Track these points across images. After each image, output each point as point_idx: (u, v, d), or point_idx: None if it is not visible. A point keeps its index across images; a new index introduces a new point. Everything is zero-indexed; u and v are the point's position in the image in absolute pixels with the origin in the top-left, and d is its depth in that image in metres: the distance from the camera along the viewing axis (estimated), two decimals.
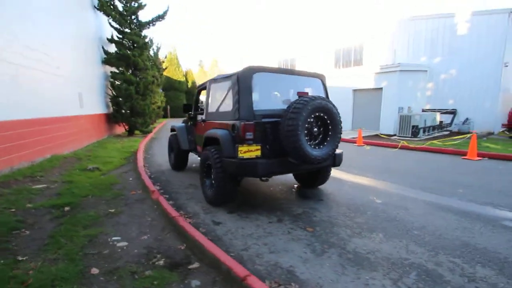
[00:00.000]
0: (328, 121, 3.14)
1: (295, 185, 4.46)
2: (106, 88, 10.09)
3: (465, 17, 13.20)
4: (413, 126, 10.78)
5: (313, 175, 4.09)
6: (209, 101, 3.96)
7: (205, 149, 3.56)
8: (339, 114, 3.22)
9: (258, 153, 3.04)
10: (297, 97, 3.46)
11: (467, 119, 13.16)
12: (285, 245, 2.47)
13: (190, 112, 4.81)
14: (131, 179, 4.75)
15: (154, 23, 10.37)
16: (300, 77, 3.63)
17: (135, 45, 10.10)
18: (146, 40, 10.59)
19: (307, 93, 3.32)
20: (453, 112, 13.53)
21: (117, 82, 9.92)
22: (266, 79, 3.28)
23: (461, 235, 2.68)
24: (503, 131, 12.20)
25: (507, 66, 12.69)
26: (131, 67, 10.12)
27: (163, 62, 17.19)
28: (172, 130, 5.82)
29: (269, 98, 3.41)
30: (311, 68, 19.36)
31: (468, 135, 8.29)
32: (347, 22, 17.84)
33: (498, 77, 12.49)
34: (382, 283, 1.94)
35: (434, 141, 8.77)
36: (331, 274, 2.04)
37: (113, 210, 3.19)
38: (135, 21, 10.22)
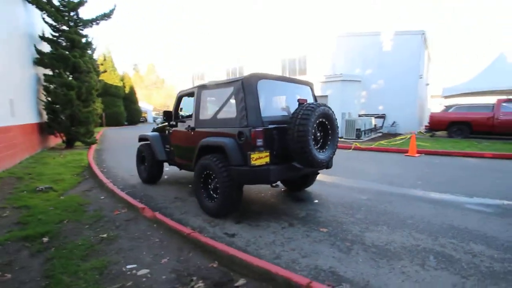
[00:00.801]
0: (329, 126, 3.34)
1: (282, 189, 4.56)
2: (38, 93, 8.55)
3: (389, 36, 15.56)
4: (357, 129, 12.09)
5: (303, 179, 4.25)
6: (200, 108, 3.77)
7: (202, 158, 3.37)
8: (336, 119, 3.46)
9: (268, 159, 3.03)
10: (295, 104, 3.60)
11: (394, 122, 15.43)
12: (312, 248, 2.52)
13: (171, 121, 4.46)
14: (102, 197, 4.13)
15: (98, 21, 9.28)
16: (294, 85, 3.77)
17: (74, 44, 8.85)
18: (89, 39, 9.39)
19: (306, 100, 3.47)
20: (383, 117, 15.69)
21: (52, 86, 8.51)
22: (267, 86, 3.31)
23: (444, 220, 3.16)
24: (420, 131, 14.64)
25: (421, 78, 15.40)
26: (70, 69, 8.82)
27: (101, 64, 15.44)
28: (142, 139, 5.32)
29: (270, 105, 3.45)
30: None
31: (409, 136, 9.77)
32: (292, 34, 19.12)
33: (415, 88, 15.05)
34: (414, 269, 2.16)
35: (382, 142, 10.02)
36: (369, 268, 2.18)
37: (105, 235, 2.74)
38: (75, 17, 8.97)
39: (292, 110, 3.62)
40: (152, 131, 5.39)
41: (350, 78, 14.96)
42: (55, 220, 3.06)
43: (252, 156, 2.90)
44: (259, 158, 2.96)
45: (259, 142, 2.97)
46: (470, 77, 14.77)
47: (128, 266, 2.17)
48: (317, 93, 15.27)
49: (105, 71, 17.42)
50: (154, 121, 45.65)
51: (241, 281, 1.98)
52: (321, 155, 3.20)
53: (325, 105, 3.24)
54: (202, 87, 3.77)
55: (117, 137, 15.36)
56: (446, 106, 12.43)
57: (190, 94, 4.24)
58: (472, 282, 2.00)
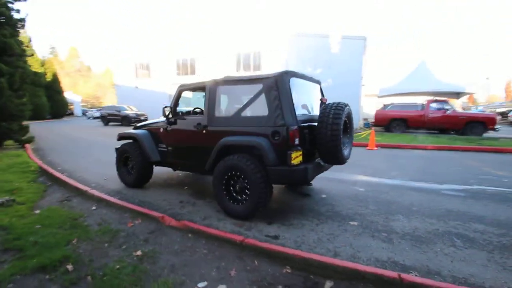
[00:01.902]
0: (348, 125, 3.52)
1: (283, 186, 4.63)
2: None
3: (337, 39, 16.95)
4: None
5: None
6: (215, 105, 3.51)
7: (225, 159, 3.18)
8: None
9: (301, 158, 3.05)
10: (310, 103, 3.68)
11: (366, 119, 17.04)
12: (359, 242, 2.66)
13: (170, 117, 4.02)
14: (93, 208, 3.51)
15: None
16: (311, 83, 3.83)
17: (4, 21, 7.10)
18: (22, 16, 7.64)
19: (326, 99, 3.57)
20: None
21: None
22: (295, 83, 3.29)
23: (438, 205, 3.70)
24: (359, 127, 16.50)
25: (362, 78, 17.29)
26: None
27: (27, 46, 12.69)
28: (124, 138, 4.68)
29: (297, 103, 3.43)
30: (213, 70, 19.49)
31: (369, 131, 10.90)
32: (248, 29, 19.05)
33: (358, 87, 16.84)
34: (452, 250, 2.49)
35: None
36: (419, 255, 2.43)
37: (139, 253, 2.35)
38: None
39: (310, 108, 3.70)
40: (136, 129, 4.79)
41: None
42: (61, 241, 2.48)
43: (292, 155, 2.87)
44: (296, 158, 2.95)
45: (297, 141, 2.96)
46: (399, 80, 17.25)
47: (200, 285, 1.94)
48: None
49: (32, 55, 14.51)
50: (84, 114, 40.04)
51: (328, 284, 1.99)
52: (345, 152, 3.37)
53: (347, 105, 3.40)
54: (218, 82, 3.52)
55: (49, 135, 13.07)
56: (384, 105, 14.27)
57: (197, 89, 3.91)
58: (497, 255, 2.43)
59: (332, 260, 2.14)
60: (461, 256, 2.42)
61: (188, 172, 5.51)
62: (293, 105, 3.04)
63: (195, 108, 4.65)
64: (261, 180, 2.98)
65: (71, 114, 39.58)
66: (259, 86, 3.16)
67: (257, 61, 19.15)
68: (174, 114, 4.02)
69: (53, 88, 27.14)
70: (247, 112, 3.25)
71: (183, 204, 3.75)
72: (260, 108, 3.15)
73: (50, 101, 26.45)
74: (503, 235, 2.81)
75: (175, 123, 4.01)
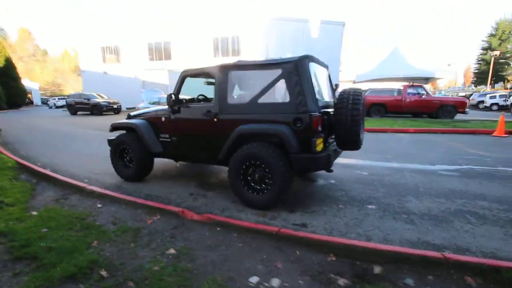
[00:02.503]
0: (362, 110, 3.53)
1: None
2: None
3: (316, 24, 16.95)
4: None
5: None
6: (227, 91, 3.32)
7: (243, 148, 3.05)
8: None
9: (322, 145, 3.02)
10: (321, 87, 3.62)
11: None
12: (385, 225, 2.73)
13: (175, 106, 3.74)
14: (99, 205, 3.22)
15: None
16: (322, 68, 3.76)
17: None
18: None
19: (337, 85, 3.52)
20: None
21: None
22: (312, 69, 3.20)
23: (440, 185, 3.92)
24: None
25: (340, 64, 17.59)
26: None
27: None
28: (119, 128, 4.34)
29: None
30: (190, 55, 18.67)
31: None
32: (225, 12, 18.30)
33: (337, 72, 17.14)
34: (470, 227, 2.65)
35: None
36: (444, 233, 2.55)
37: (172, 251, 2.19)
38: None
39: (323, 94, 3.65)
40: (129, 118, 4.44)
41: None
42: (79, 245, 2.23)
43: (317, 142, 2.83)
44: (319, 144, 2.92)
45: (320, 128, 2.91)
46: (374, 66, 17.84)
47: (253, 280, 1.86)
48: None
49: None
50: (45, 103, 36.61)
51: (377, 268, 2.01)
52: (361, 137, 3.40)
53: (363, 91, 3.40)
54: (230, 67, 3.31)
55: (11, 127, 11.83)
56: (363, 90, 14.71)
57: (203, 75, 3.66)
58: (510, 229, 2.63)
59: (376, 245, 2.17)
60: (480, 232, 2.58)
61: (186, 163, 5.28)
62: (314, 90, 2.97)
63: (199, 95, 4.39)
64: (284, 168, 2.92)
65: (31, 103, 36.11)
66: (277, 71, 3.03)
67: (236, 45, 18.63)
68: (177, 102, 3.75)
69: (7, 75, 24.31)
70: (265, 99, 3.12)
71: (194, 196, 3.59)
72: (279, 94, 3.04)
73: (5, 89, 23.74)
74: (508, 210, 3.05)
75: (178, 111, 3.75)
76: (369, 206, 3.20)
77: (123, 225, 2.66)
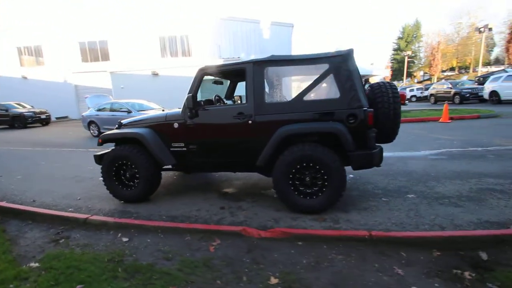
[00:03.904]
0: None
1: None
2: None
3: (267, 25, 17.26)
4: None
5: None
6: (264, 90, 3.00)
7: (294, 150, 2.80)
8: None
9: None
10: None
11: None
12: (440, 211, 2.82)
13: (192, 109, 3.21)
14: (125, 239, 2.53)
15: None
16: None
17: None
18: None
19: (367, 80, 3.52)
20: None
21: None
22: None
23: (442, 169, 4.30)
24: None
25: None
26: None
27: None
28: (114, 140, 3.58)
29: None
30: (132, 55, 17.00)
31: None
32: (172, 10, 17.10)
33: None
34: (504, 202, 2.94)
35: None
36: (491, 210, 2.75)
37: (276, 280, 1.82)
38: None
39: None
40: (122, 127, 3.70)
41: None
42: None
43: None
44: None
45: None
46: None
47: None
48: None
49: None
50: None
51: (484, 254, 2.03)
52: None
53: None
54: (266, 62, 2.99)
55: None
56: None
57: (227, 72, 3.24)
58: None
59: (468, 232, 2.22)
60: None
61: (180, 173, 4.67)
62: (363, 85, 2.90)
63: (215, 96, 3.89)
64: (341, 168, 2.78)
65: None
66: (324, 66, 2.86)
67: (186, 45, 17.66)
68: (197, 104, 3.24)
69: None
70: (311, 96, 2.91)
71: (229, 210, 3.16)
72: (327, 90, 2.87)
73: None
74: (506, 182, 3.50)
75: (196, 115, 3.25)
76: (409, 196, 3.30)
77: (184, 259, 2.13)
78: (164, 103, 12.15)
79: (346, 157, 2.85)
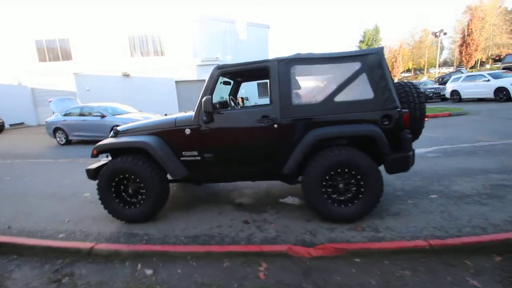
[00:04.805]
0: None
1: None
2: None
3: (243, 25, 17.02)
4: None
5: None
6: (291, 90, 2.75)
7: (329, 155, 2.60)
8: None
9: None
10: None
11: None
12: (472, 211, 2.80)
13: (211, 113, 2.84)
14: (148, 271, 2.10)
15: None
16: None
17: None
18: None
19: None
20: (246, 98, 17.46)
21: None
22: None
23: (446, 166, 4.40)
24: None
25: None
26: None
27: None
28: (112, 150, 3.10)
29: None
30: (99, 53, 15.72)
31: None
32: (143, 6, 16.06)
33: None
34: None
35: None
36: None
37: None
38: None
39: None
40: (119, 134, 3.21)
41: (223, 63, 15.18)
42: None
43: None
44: None
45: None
46: None
47: None
48: (192, 77, 14.30)
49: None
50: None
51: None
52: None
53: None
54: (292, 61, 2.74)
55: None
56: None
57: (249, 72, 2.94)
58: None
59: None
60: None
61: (181, 184, 4.24)
62: (394, 85, 2.79)
63: (230, 98, 3.55)
64: (378, 172, 2.63)
65: None
66: (355, 65, 2.69)
67: (158, 45, 16.73)
68: (214, 107, 2.89)
69: None
70: (342, 96, 2.72)
71: (255, 224, 2.86)
72: (360, 90, 2.70)
73: None
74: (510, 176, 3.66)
75: (212, 120, 2.90)
76: (433, 196, 3.28)
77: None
78: (137, 106, 11.33)
79: (378, 160, 2.72)
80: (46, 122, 9.71)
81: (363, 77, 2.68)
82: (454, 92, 15.60)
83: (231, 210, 3.27)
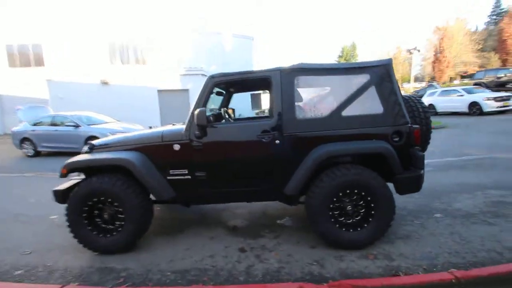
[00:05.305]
0: None
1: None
2: None
3: (228, 37, 16.96)
4: None
5: None
6: (294, 103, 2.50)
7: (337, 175, 2.35)
8: None
9: None
10: None
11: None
12: (481, 233, 2.65)
13: (205, 126, 2.52)
14: None
15: None
16: None
17: None
18: None
19: None
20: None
21: None
22: None
23: (444, 182, 4.25)
24: None
25: None
26: None
27: None
28: (83, 169, 2.69)
29: None
30: (75, 60, 14.93)
31: None
32: (123, 12, 15.48)
33: None
34: None
35: None
36: None
37: None
38: None
39: None
40: (94, 150, 2.79)
41: (206, 73, 14.87)
42: None
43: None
44: None
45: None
46: None
47: None
48: (176, 86, 13.85)
49: None
50: None
51: None
52: None
53: None
54: (296, 71, 2.51)
55: None
56: None
57: (248, 82, 2.67)
58: None
59: None
60: None
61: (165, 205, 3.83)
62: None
63: (224, 110, 3.23)
64: (390, 193, 2.42)
65: None
66: (364, 77, 2.51)
67: (139, 53, 16.18)
68: (208, 120, 2.57)
69: None
70: (350, 110, 2.51)
71: (253, 252, 2.53)
72: (369, 104, 2.51)
73: None
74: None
75: (205, 135, 2.58)
76: (437, 215, 3.12)
77: None
78: (117, 115, 10.70)
79: (387, 180, 2.52)
80: (13, 131, 8.85)
81: (372, 90, 2.49)
82: (430, 106, 16.29)
83: (224, 234, 2.91)
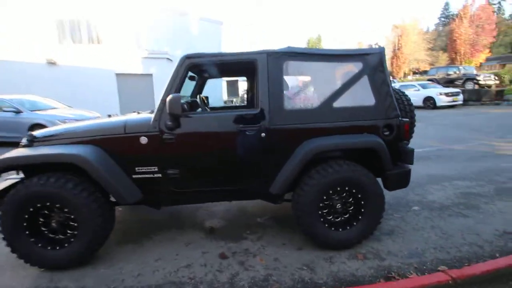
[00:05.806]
0: None
1: None
2: None
3: (195, 20, 15.94)
4: None
5: None
6: (283, 92, 2.22)
7: (328, 172, 2.16)
8: None
9: None
10: None
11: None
12: (459, 225, 2.70)
13: (179, 116, 2.13)
14: None
15: None
16: None
17: None
18: None
19: None
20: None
21: None
22: None
23: (415, 174, 4.42)
24: None
25: None
26: None
27: None
28: (20, 167, 2.15)
29: None
30: (15, 39, 12.91)
31: None
32: None
33: None
34: (503, 204, 3.07)
35: None
36: (495, 218, 2.79)
37: None
38: None
39: None
40: (35, 143, 2.26)
41: (171, 57, 13.86)
42: None
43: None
44: None
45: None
46: None
47: None
48: (137, 70, 12.69)
49: None
50: None
51: None
52: None
53: None
54: (284, 54, 2.21)
55: None
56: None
57: (230, 66, 2.31)
58: None
59: None
60: None
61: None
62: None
63: (202, 97, 2.81)
64: (381, 190, 2.30)
65: None
66: (357, 65, 2.31)
67: (93, 31, 14.44)
68: (183, 109, 2.17)
69: None
70: (341, 101, 2.31)
71: (235, 257, 2.26)
72: (360, 95, 2.33)
73: None
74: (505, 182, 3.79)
75: (178, 125, 2.20)
76: (415, 208, 3.14)
77: None
78: (67, 101, 9.48)
79: (375, 175, 2.40)
80: None
81: (364, 80, 2.31)
82: None
83: (200, 238, 2.59)
